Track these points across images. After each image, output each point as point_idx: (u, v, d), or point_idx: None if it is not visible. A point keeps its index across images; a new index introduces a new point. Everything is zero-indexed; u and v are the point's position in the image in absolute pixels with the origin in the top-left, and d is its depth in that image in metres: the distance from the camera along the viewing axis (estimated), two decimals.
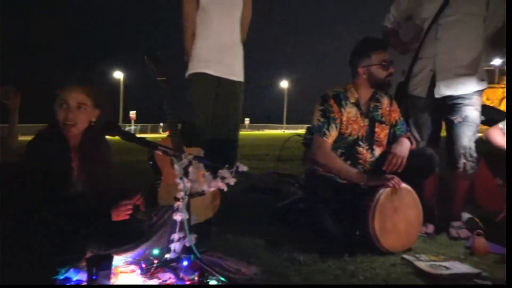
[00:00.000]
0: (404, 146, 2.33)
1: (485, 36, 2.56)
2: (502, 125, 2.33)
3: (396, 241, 2.16)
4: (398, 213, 2.19)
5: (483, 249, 2.15)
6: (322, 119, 2.38)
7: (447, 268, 1.86)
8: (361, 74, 2.39)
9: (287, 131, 38.10)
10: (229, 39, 2.83)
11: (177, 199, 1.72)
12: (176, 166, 1.71)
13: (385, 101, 2.49)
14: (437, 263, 1.92)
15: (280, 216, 2.74)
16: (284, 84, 63.30)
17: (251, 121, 53.20)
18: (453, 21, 2.51)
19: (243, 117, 3.50)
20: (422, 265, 1.89)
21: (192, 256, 1.70)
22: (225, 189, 1.82)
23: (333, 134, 2.37)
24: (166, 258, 1.73)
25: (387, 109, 2.48)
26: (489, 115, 2.72)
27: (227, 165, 1.81)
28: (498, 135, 2.30)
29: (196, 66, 2.81)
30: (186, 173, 1.73)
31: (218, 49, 2.79)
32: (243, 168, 1.81)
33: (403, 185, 2.20)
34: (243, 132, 36.61)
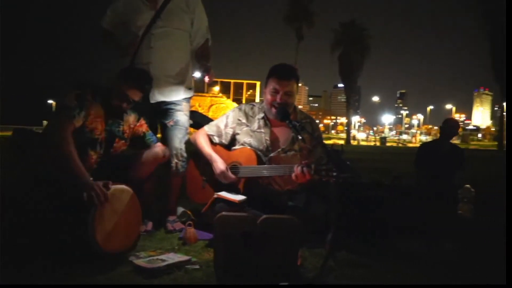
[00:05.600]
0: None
1: (191, 50, 2.90)
2: (207, 128, 2.71)
3: (117, 242, 2.16)
4: (118, 215, 2.20)
5: (193, 238, 2.44)
6: (75, 102, 2.26)
7: (163, 260, 2.00)
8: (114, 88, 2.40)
9: None
10: None
11: None
12: None
13: (131, 118, 2.53)
14: (155, 258, 2.04)
15: None
16: None
17: None
18: (164, 32, 2.72)
19: None
20: (140, 262, 1.97)
21: None
22: None
23: (78, 122, 2.26)
24: None
25: (132, 126, 2.53)
26: (197, 120, 3.11)
27: None
28: (202, 139, 2.66)
29: None
30: None
31: None
32: None
33: (123, 186, 2.24)
34: None
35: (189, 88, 2.88)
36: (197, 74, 2.85)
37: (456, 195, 3.03)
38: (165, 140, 2.76)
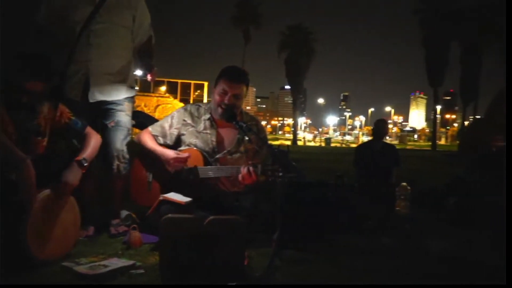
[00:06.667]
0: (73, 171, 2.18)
1: (133, 47, 2.79)
2: (151, 128, 2.65)
3: (53, 249, 2.06)
4: (54, 220, 2.09)
5: (138, 242, 2.37)
6: None
7: (105, 266, 1.93)
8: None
9: None
10: None
11: None
12: None
13: (45, 109, 2.24)
14: (97, 263, 1.96)
15: None
16: None
17: None
18: (104, 29, 2.60)
19: None
20: (81, 268, 1.89)
21: None
22: None
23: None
24: None
25: (48, 117, 2.25)
26: (142, 120, 3.04)
27: None
28: (147, 138, 2.60)
29: None
30: None
31: None
32: None
33: None
34: None
35: (131, 87, 2.78)
36: (138, 72, 2.75)
37: (393, 193, 3.22)
38: (107, 141, 2.63)
